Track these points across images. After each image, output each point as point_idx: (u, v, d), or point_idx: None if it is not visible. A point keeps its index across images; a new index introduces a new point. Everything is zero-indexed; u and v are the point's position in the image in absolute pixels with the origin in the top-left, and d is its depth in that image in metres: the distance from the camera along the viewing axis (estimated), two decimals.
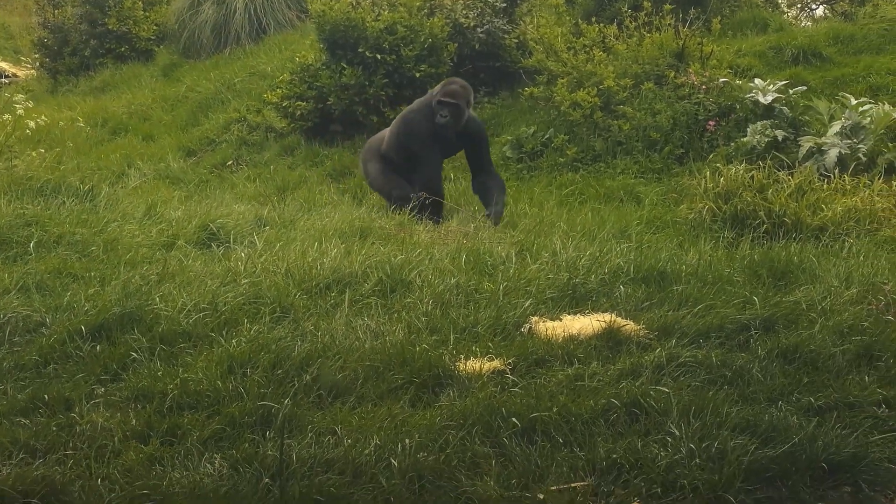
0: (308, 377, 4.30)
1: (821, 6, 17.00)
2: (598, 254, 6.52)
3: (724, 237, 7.93)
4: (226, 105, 14.63)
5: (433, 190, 8.85)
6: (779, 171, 9.47)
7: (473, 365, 4.61)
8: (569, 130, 11.57)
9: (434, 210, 8.79)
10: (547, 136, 11.62)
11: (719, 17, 13.28)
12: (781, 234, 8.21)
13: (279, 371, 4.35)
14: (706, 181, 9.15)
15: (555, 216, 9.08)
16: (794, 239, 7.99)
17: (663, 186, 10.35)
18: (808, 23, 16.48)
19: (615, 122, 11.30)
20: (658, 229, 8.68)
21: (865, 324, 5.19)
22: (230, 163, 12.69)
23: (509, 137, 11.76)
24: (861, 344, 4.91)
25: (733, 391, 4.37)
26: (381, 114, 12.34)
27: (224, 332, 4.88)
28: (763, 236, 8.14)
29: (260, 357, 4.47)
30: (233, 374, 4.35)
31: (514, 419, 3.92)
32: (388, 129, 9.43)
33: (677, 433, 3.83)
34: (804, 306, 5.54)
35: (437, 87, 8.95)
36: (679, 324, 5.16)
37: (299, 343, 4.67)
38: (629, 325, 5.12)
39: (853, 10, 15.31)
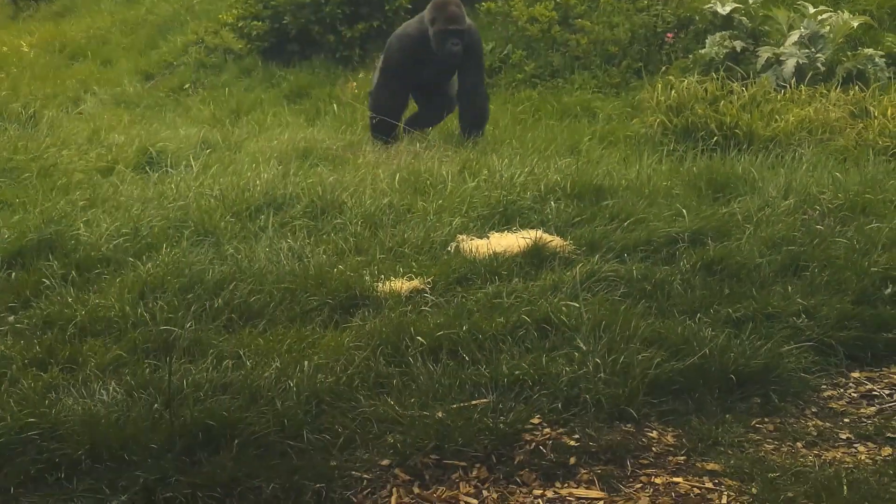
0: (220, 301, 4.24)
1: None
2: (536, 170, 6.45)
3: (672, 150, 7.84)
4: (184, 27, 14.41)
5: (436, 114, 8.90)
6: (734, 82, 9.36)
7: (393, 285, 4.56)
8: (527, 46, 11.43)
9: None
10: (505, 52, 11.49)
11: None
12: (732, 146, 8.12)
13: (190, 295, 4.29)
14: (658, 94, 9.04)
15: (508, 133, 8.98)
16: (746, 151, 7.93)
17: (621, 101, 10.24)
18: None
19: (573, 36, 11.16)
20: (610, 144, 8.58)
21: (797, 234, 5.15)
22: (187, 86, 12.52)
23: None
24: (789, 254, 4.87)
25: (651, 305, 4.33)
26: (338, 33, 12.17)
27: (143, 258, 4.80)
28: (714, 149, 8.04)
29: (172, 281, 4.41)
30: (144, 299, 4.28)
31: (420, 338, 3.87)
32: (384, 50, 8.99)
33: (584, 348, 3.78)
34: (740, 218, 5.51)
35: (432, 10, 8.38)
36: (607, 239, 5.11)
37: (216, 266, 4.59)
38: (555, 241, 5.07)
39: None
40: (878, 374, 4.01)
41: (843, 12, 10.59)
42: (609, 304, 4.24)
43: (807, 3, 10.73)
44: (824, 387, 3.88)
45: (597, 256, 4.84)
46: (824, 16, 10.42)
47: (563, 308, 4.12)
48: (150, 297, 4.29)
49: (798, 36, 10.17)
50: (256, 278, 4.49)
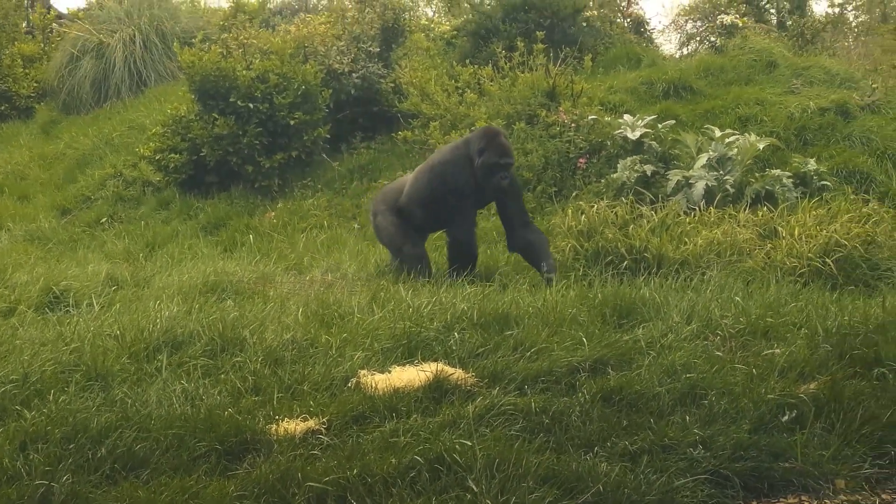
0: (103, 450, 4.11)
1: (692, 41, 17.28)
2: (443, 299, 6.43)
3: (582, 275, 7.87)
4: (103, 161, 14.38)
5: (470, 246, 8.29)
6: (644, 206, 9.48)
7: (288, 426, 4.46)
8: None
9: (469, 267, 8.16)
10: None
11: (591, 55, 13.38)
12: (642, 270, 8.20)
13: (72, 445, 4.15)
14: (569, 219, 9.12)
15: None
16: (656, 274, 7.99)
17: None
18: (684, 51, 16.77)
19: None
20: (525, 269, 8.60)
21: (697, 361, 5.14)
22: (104, 220, 12.42)
23: (386, 182, 11.65)
24: (689, 382, 4.85)
25: (549, 439, 4.27)
26: (257, 163, 12.21)
27: (31, 405, 4.66)
28: (624, 272, 8.10)
29: (54, 431, 4.27)
30: (24, 450, 4.14)
31: (308, 485, 3.76)
32: (411, 179, 8.61)
33: (476, 489, 3.70)
34: (643, 344, 5.50)
35: (481, 140, 8.09)
36: (510, 369, 5.07)
37: (102, 413, 4.46)
38: (457, 374, 5.01)
39: (723, 42, 15.54)
40: None
41: (749, 134, 10.84)
42: (505, 441, 4.17)
43: (714, 127, 10.99)
44: None
45: (497, 389, 4.78)
46: (732, 138, 10.67)
47: (457, 447, 4.04)
48: (31, 448, 4.15)
49: (707, 159, 10.38)
50: (144, 424, 4.36)
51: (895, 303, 6.29)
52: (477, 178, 8.04)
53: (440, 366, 5.07)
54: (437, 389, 4.84)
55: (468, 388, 4.91)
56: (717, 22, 16.07)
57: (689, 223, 9.21)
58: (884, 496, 4.08)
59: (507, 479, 3.79)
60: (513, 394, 4.74)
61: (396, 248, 8.46)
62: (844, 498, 4.02)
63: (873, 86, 13.07)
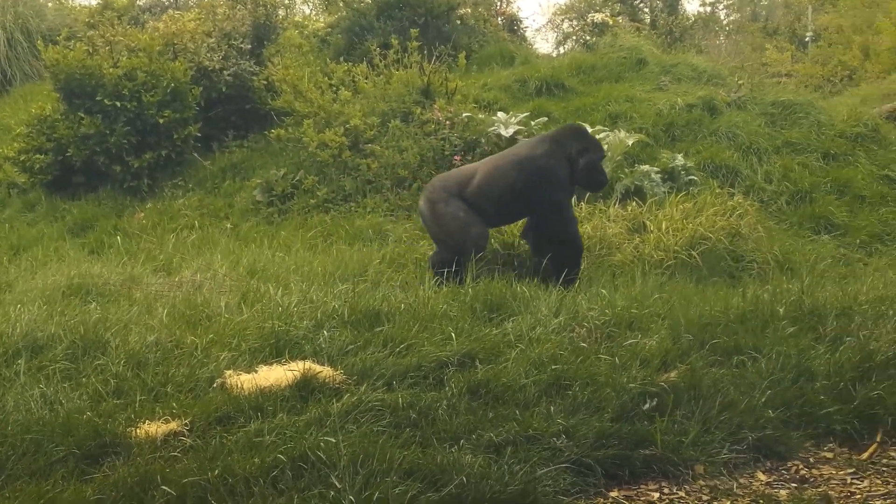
0: None
1: (569, 40, 17.51)
2: (314, 297, 6.39)
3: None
4: None
5: (579, 241, 8.01)
6: None
7: (149, 428, 4.38)
8: (319, 171, 11.45)
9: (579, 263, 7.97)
10: (297, 177, 11.46)
11: (465, 53, 13.44)
12: (516, 265, 8.27)
13: None
14: None
15: (300, 259, 8.90)
16: (529, 267, 8.08)
17: (412, 223, 10.32)
18: (561, 49, 16.99)
19: (364, 160, 11.23)
20: (400, 267, 8.60)
21: (563, 353, 5.20)
22: None
23: (259, 181, 11.54)
24: (554, 374, 4.91)
25: (416, 433, 4.28)
26: (125, 163, 11.97)
27: None
28: (499, 267, 8.16)
29: None
30: None
31: (166, 487, 3.70)
32: (486, 172, 8.12)
33: (339, 485, 3.69)
34: (511, 338, 5.55)
35: (579, 138, 7.94)
36: (379, 366, 5.06)
37: None
38: (325, 372, 4.99)
39: (594, 40, 15.79)
40: (635, 491, 4.04)
41: (620, 131, 11.02)
42: (371, 437, 4.16)
43: (584, 124, 11.13)
44: None
45: (365, 386, 4.77)
46: (602, 135, 10.81)
47: (322, 444, 4.01)
48: None
49: None
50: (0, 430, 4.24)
51: (756, 293, 6.45)
52: (574, 175, 7.89)
53: (308, 364, 5.04)
54: (305, 388, 4.81)
55: (336, 385, 4.89)
56: (588, 20, 16.31)
57: None
58: (741, 480, 4.20)
59: (371, 475, 3.78)
60: (381, 390, 4.74)
61: (463, 231, 7.91)
62: (703, 483, 4.12)
63: (739, 82, 13.42)
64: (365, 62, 13.15)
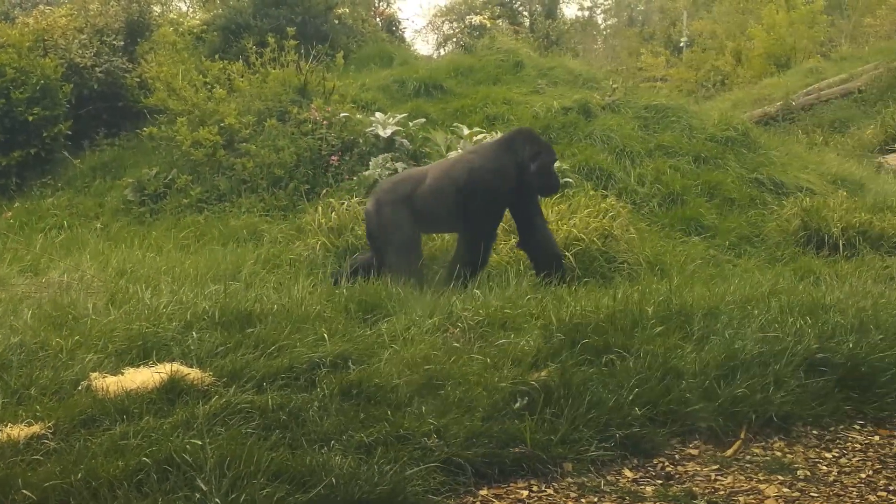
0: None
1: (449, 42, 17.60)
2: (184, 298, 6.28)
3: (327, 273, 7.87)
4: None
5: (554, 243, 8.05)
6: None
7: (10, 432, 4.24)
8: (193, 170, 11.29)
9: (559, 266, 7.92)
10: (170, 177, 11.28)
11: (343, 53, 13.40)
12: None
13: None
14: (319, 216, 9.10)
15: (172, 260, 8.75)
16: None
17: (287, 224, 10.24)
18: (441, 51, 17.06)
19: (239, 160, 11.11)
20: (274, 268, 8.52)
21: (436, 353, 5.20)
22: None
23: (131, 180, 11.32)
24: (427, 374, 4.90)
25: (285, 435, 4.22)
26: None
27: None
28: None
29: None
30: None
31: (27, 491, 3.59)
32: (435, 177, 7.95)
33: (205, 488, 3.62)
34: (386, 338, 5.53)
35: (530, 143, 7.85)
36: (249, 367, 4.98)
37: None
38: (193, 374, 4.89)
39: (472, 42, 15.90)
40: (504, 489, 4.06)
41: (496, 132, 11.10)
42: (239, 439, 4.09)
43: (463, 125, 11.21)
44: None
45: (234, 388, 4.70)
46: (480, 136, 10.90)
47: (188, 447, 3.94)
48: None
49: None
50: None
51: (626, 293, 6.54)
52: (527, 179, 7.78)
53: (176, 366, 4.94)
54: (172, 390, 4.70)
55: (205, 387, 4.80)
56: (467, 22, 16.40)
57: None
58: (608, 477, 4.25)
59: (238, 477, 3.72)
60: (250, 392, 4.67)
61: (402, 246, 7.78)
62: (571, 480, 4.16)
63: (614, 86, 13.65)
64: (241, 60, 13.03)
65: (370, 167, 10.67)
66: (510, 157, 7.77)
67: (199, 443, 3.94)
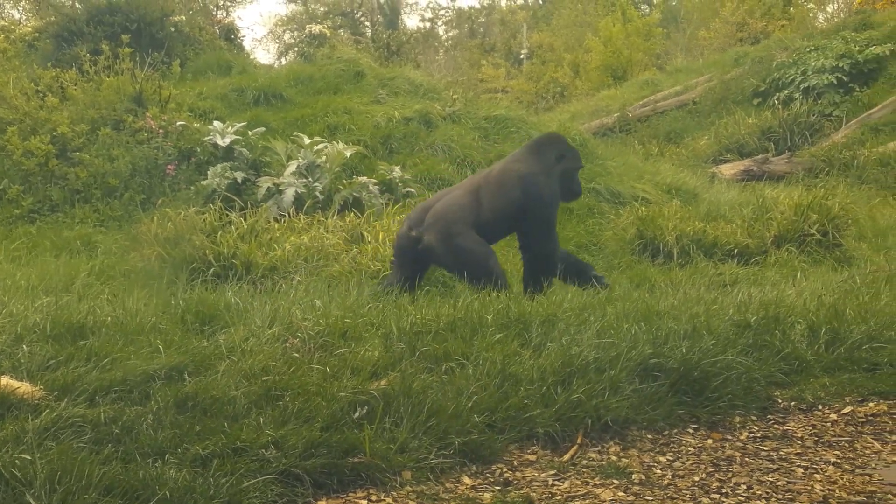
0: None
1: (290, 51, 17.49)
2: (14, 311, 6.07)
3: (169, 283, 7.72)
4: None
5: (557, 257, 7.92)
6: (233, 213, 9.46)
7: None
8: (24, 180, 10.93)
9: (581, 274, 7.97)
10: (0, 187, 10.88)
11: (179, 61, 13.19)
12: (231, 276, 8.16)
13: None
14: (155, 226, 8.93)
15: (2, 272, 8.45)
16: (244, 280, 7.99)
17: (123, 234, 10.01)
18: (283, 60, 16.94)
19: (72, 169, 10.81)
20: (109, 279, 8.32)
21: (276, 364, 5.15)
22: None
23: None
24: (265, 385, 4.84)
25: (118, 449, 4.12)
26: None
27: None
28: (213, 279, 8.03)
29: None
30: None
31: None
32: (492, 193, 7.86)
33: (34, 503, 3.51)
34: (224, 349, 5.45)
35: (556, 146, 7.98)
36: (82, 381, 4.84)
37: None
38: (23, 388, 4.73)
39: (313, 51, 15.85)
40: (343, 499, 4.04)
41: (338, 142, 11.11)
42: (71, 453, 3.97)
43: (303, 135, 11.15)
44: None
45: (66, 401, 4.56)
46: (320, 146, 10.88)
47: (17, 462, 3.80)
48: None
49: (296, 166, 10.54)
50: None
51: (466, 301, 6.60)
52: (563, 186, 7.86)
53: (6, 380, 4.77)
54: (2, 405, 4.54)
55: (35, 401, 4.65)
56: (307, 31, 16.34)
57: (279, 229, 9.30)
58: (447, 484, 4.27)
59: (69, 492, 3.61)
60: (82, 405, 4.53)
61: (484, 266, 7.66)
62: (410, 489, 4.16)
63: (454, 97, 13.79)
64: (74, 68, 12.70)
65: (209, 176, 10.53)
66: (543, 163, 7.86)
67: (29, 457, 3.81)
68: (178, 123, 11.17)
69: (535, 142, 8.24)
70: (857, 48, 20.07)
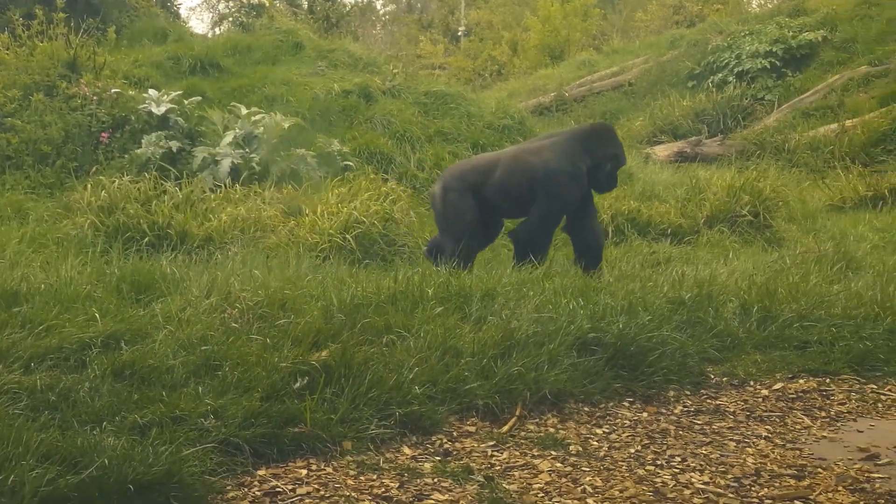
0: None
1: (226, 21, 17.30)
2: None
3: (102, 252, 7.60)
4: None
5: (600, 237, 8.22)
6: (169, 182, 9.35)
7: None
8: None
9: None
10: None
11: (115, 27, 12.97)
12: (166, 246, 8.06)
13: None
14: (89, 195, 8.80)
15: None
16: (179, 250, 7.90)
17: (55, 202, 9.83)
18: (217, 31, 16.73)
19: (3, 135, 10.59)
20: (40, 247, 8.16)
21: (214, 334, 5.11)
22: None
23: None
24: (204, 354, 4.81)
25: (55, 416, 4.07)
26: None
27: None
28: (147, 248, 7.94)
29: None
30: None
31: None
32: (506, 165, 7.95)
33: None
34: (160, 319, 5.39)
35: (606, 140, 7.95)
36: (16, 347, 4.77)
37: None
38: None
39: (251, 21, 15.68)
40: (283, 469, 4.03)
41: (276, 114, 11.01)
42: (6, 420, 3.91)
43: (240, 105, 11.04)
44: (229, 487, 3.82)
45: (0, 367, 4.49)
46: (258, 117, 10.77)
47: None
48: None
49: (233, 136, 10.43)
50: None
51: (407, 275, 6.60)
52: (597, 177, 7.91)
53: None
54: None
55: None
56: (244, 1, 16.17)
57: (215, 200, 9.21)
58: (388, 455, 4.28)
59: (6, 458, 3.55)
60: (17, 372, 4.47)
61: (458, 231, 7.84)
62: (351, 458, 4.17)
63: (394, 71, 13.74)
64: (6, 32, 12.42)
65: (143, 145, 10.39)
66: (579, 148, 7.85)
67: None
68: (113, 91, 10.99)
69: (587, 131, 8.24)
70: (791, 34, 20.35)
